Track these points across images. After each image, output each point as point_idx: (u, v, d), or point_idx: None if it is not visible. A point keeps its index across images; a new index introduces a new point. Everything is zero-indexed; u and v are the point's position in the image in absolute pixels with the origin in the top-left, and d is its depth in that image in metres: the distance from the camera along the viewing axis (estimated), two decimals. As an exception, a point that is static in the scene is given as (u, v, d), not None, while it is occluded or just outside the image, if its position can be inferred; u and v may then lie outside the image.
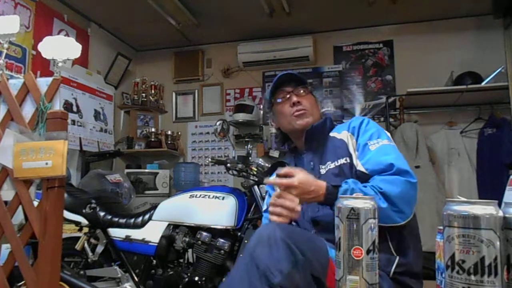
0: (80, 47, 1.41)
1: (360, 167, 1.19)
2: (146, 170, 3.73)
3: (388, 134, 1.27)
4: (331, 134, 1.34)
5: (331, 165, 1.25)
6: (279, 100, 1.38)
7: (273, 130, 3.75)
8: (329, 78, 3.88)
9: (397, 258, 1.10)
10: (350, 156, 1.24)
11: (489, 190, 3.02)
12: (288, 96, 1.37)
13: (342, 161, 1.23)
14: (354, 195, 0.70)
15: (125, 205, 2.90)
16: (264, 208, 1.44)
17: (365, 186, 1.10)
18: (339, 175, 1.21)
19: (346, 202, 0.67)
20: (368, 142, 1.21)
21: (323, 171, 1.27)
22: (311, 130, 1.33)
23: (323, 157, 1.30)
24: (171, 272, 2.10)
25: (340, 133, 1.31)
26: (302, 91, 1.37)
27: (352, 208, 0.66)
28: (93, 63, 3.60)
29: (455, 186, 3.21)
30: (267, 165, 2.14)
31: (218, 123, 2.33)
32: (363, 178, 1.16)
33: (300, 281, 0.82)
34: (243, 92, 4.08)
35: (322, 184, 1.09)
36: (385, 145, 1.19)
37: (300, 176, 1.07)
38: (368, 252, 0.64)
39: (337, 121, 1.45)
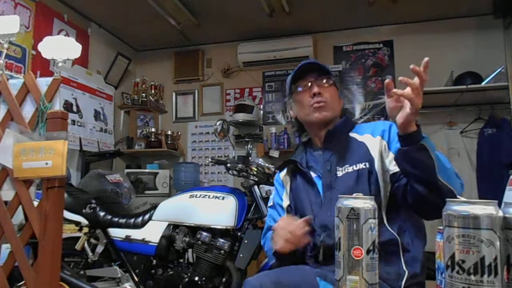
0: (80, 47, 1.41)
1: (389, 166, 1.15)
2: (146, 170, 3.73)
3: None
4: (352, 134, 1.27)
5: (349, 169, 1.19)
6: (299, 89, 1.30)
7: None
8: (329, 78, 3.88)
9: (406, 272, 1.06)
10: (371, 161, 1.17)
11: (489, 190, 3.02)
12: (309, 85, 1.28)
13: (361, 165, 1.17)
14: (354, 195, 0.70)
15: (125, 205, 2.90)
16: (270, 204, 1.41)
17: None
18: (356, 181, 1.15)
19: (346, 202, 0.67)
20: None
21: (339, 173, 1.20)
22: (333, 129, 1.27)
23: (341, 159, 1.23)
24: (171, 272, 2.10)
25: (362, 135, 1.25)
26: (324, 82, 1.28)
27: (352, 208, 0.66)
28: (93, 63, 3.60)
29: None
30: (267, 165, 2.14)
31: (218, 123, 2.33)
32: (394, 177, 1.13)
33: None
34: (243, 92, 4.08)
35: None
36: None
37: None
38: (368, 252, 0.64)
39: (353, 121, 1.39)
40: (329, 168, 1.22)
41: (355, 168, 1.18)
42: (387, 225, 1.11)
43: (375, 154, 1.17)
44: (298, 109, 1.33)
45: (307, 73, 1.29)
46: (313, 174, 1.27)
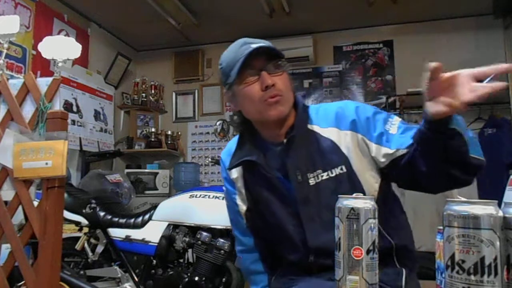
0: (80, 47, 1.41)
1: (397, 153, 0.97)
2: (146, 170, 3.73)
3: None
4: (312, 127, 1.06)
5: (323, 175, 1.01)
6: (246, 79, 1.02)
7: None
8: (329, 78, 3.88)
9: (404, 270, 1.03)
10: (346, 162, 1.01)
11: (489, 190, 3.01)
12: (259, 75, 1.01)
13: (337, 171, 1.00)
14: (354, 195, 0.69)
15: (125, 205, 2.90)
16: (226, 203, 1.23)
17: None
18: (336, 190, 0.93)
19: (346, 202, 0.67)
20: (386, 128, 1.00)
21: (312, 182, 1.01)
22: (294, 128, 1.04)
23: (311, 162, 1.02)
24: (171, 272, 2.10)
25: (325, 128, 1.05)
26: (277, 69, 1.03)
27: (352, 208, 0.66)
28: (93, 63, 3.60)
29: (455, 186, 3.21)
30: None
31: (218, 123, 2.33)
32: (393, 164, 0.98)
33: None
34: (243, 92, 4.08)
35: None
36: (401, 123, 1.02)
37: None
38: (368, 252, 0.64)
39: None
40: (300, 179, 1.02)
41: (331, 175, 1.01)
42: (379, 226, 1.06)
43: (349, 152, 1.01)
44: (244, 104, 1.06)
45: (253, 58, 1.00)
46: (278, 181, 1.06)
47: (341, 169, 1.01)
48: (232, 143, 1.18)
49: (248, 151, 1.09)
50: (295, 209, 1.04)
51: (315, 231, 1.02)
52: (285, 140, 1.04)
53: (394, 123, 1.01)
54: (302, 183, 1.02)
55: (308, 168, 1.02)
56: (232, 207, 1.20)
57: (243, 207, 1.16)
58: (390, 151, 0.98)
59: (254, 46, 1.02)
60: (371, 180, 1.02)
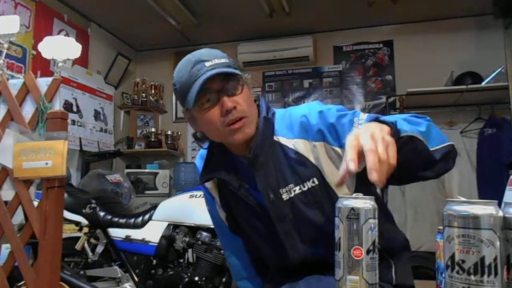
0: (80, 47, 1.41)
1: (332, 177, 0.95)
2: (146, 170, 3.73)
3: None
4: (277, 138, 1.00)
5: (295, 189, 0.96)
6: (203, 106, 0.94)
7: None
8: (329, 78, 3.88)
9: (392, 262, 1.01)
10: (317, 173, 0.96)
11: (489, 190, 3.02)
12: (217, 99, 0.93)
13: (309, 184, 0.96)
14: (354, 195, 0.69)
15: (125, 205, 2.90)
16: (207, 207, 1.19)
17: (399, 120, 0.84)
18: (310, 204, 0.95)
19: (346, 202, 0.67)
20: (353, 128, 0.94)
21: (285, 197, 0.97)
22: (257, 149, 0.96)
23: (280, 177, 0.97)
24: (171, 272, 2.10)
25: (291, 139, 0.99)
26: (237, 90, 0.94)
27: (352, 208, 0.66)
28: (93, 63, 3.60)
29: (455, 186, 3.21)
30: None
31: (218, 123, 2.33)
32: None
33: None
34: (243, 92, 4.08)
35: (375, 123, 0.78)
36: (367, 118, 0.95)
37: (352, 137, 0.71)
38: (368, 252, 0.64)
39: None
40: (273, 197, 0.97)
41: (303, 189, 0.96)
42: None
43: (320, 163, 0.96)
44: (207, 128, 1.00)
45: (209, 80, 0.91)
46: (251, 198, 1.02)
47: (313, 181, 0.96)
48: (205, 150, 1.12)
49: (218, 165, 1.05)
50: (271, 223, 1.01)
51: (294, 245, 1.00)
52: (249, 155, 0.97)
53: (360, 123, 0.94)
54: (275, 201, 0.98)
55: (280, 183, 0.97)
56: (213, 212, 1.17)
57: (223, 213, 1.13)
58: None
59: (208, 65, 0.92)
60: (346, 188, 0.95)
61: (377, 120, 0.81)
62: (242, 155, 1.02)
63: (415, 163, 0.84)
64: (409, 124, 0.84)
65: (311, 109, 1.00)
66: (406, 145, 0.78)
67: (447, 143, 0.88)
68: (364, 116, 0.96)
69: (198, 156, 1.17)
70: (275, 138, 1.00)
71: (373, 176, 0.64)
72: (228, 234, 1.17)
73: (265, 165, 0.98)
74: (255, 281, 1.20)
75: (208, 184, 1.10)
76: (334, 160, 0.96)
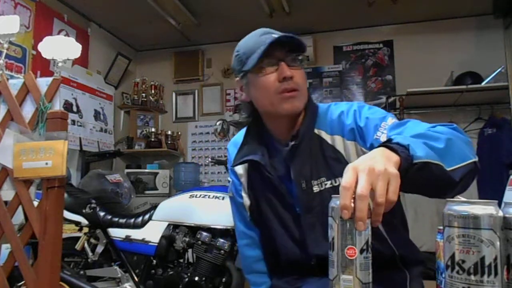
0: (80, 47, 1.41)
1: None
2: (146, 170, 3.73)
3: (384, 111, 1.01)
4: (318, 131, 1.03)
5: (326, 183, 0.99)
6: (263, 69, 0.98)
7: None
8: (329, 78, 3.89)
9: (407, 273, 1.01)
10: None
11: (489, 190, 3.02)
12: (277, 66, 0.97)
13: (341, 180, 0.95)
14: None
15: (125, 205, 2.90)
16: (230, 194, 1.20)
17: (418, 135, 0.77)
18: None
19: (339, 202, 0.67)
20: (376, 137, 0.94)
21: (316, 188, 0.99)
22: (302, 132, 1.00)
23: (315, 169, 1.00)
24: (171, 272, 2.10)
25: (332, 136, 1.01)
26: (298, 62, 0.99)
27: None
28: (93, 63, 3.60)
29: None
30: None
31: (218, 123, 2.34)
32: None
33: None
34: (243, 92, 4.08)
35: (383, 150, 0.67)
36: (392, 125, 0.93)
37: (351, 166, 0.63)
38: (361, 251, 0.64)
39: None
40: (305, 186, 0.99)
41: (334, 184, 0.98)
42: (388, 239, 0.99)
43: (350, 161, 0.96)
44: (258, 93, 1.02)
45: (274, 48, 0.96)
46: (281, 184, 1.03)
47: None
48: (240, 135, 1.15)
49: (253, 149, 1.06)
50: (297, 214, 1.02)
51: (316, 239, 0.98)
52: (291, 143, 1.01)
53: (384, 130, 0.93)
54: (306, 191, 1.00)
55: (313, 175, 1.00)
56: (236, 199, 1.18)
57: (247, 201, 1.14)
58: None
59: (276, 36, 0.97)
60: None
61: (388, 142, 0.71)
62: (281, 139, 1.05)
63: (430, 189, 0.78)
64: (425, 143, 0.73)
65: (349, 107, 1.03)
66: (420, 172, 0.69)
67: (469, 161, 0.77)
68: (391, 121, 0.95)
69: (231, 142, 1.21)
70: (315, 131, 1.03)
71: (359, 226, 0.58)
72: (246, 224, 1.18)
73: (302, 155, 1.00)
74: (264, 278, 1.19)
75: (239, 169, 1.12)
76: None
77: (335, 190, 0.94)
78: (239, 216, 1.20)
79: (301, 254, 1.03)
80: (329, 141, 1.01)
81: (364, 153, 0.95)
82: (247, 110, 1.10)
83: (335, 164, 0.99)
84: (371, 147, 0.91)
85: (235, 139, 1.18)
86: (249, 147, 1.08)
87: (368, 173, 0.60)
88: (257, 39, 0.99)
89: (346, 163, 0.95)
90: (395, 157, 0.66)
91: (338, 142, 1.00)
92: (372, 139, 0.93)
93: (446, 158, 0.73)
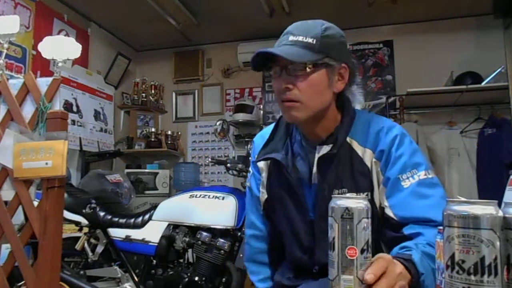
0: (80, 47, 1.41)
1: (387, 210, 0.93)
2: (146, 170, 3.73)
3: (424, 157, 0.98)
4: (350, 140, 0.99)
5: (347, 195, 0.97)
6: (274, 75, 0.98)
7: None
8: (329, 78, 3.88)
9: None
10: (372, 190, 0.96)
11: (489, 190, 3.02)
12: (278, 73, 0.96)
13: (362, 196, 0.92)
14: (348, 194, 0.70)
15: (125, 205, 2.90)
16: (247, 184, 1.21)
17: (421, 244, 0.82)
18: None
19: (340, 202, 0.67)
20: (400, 177, 0.92)
21: None
22: (330, 139, 0.98)
23: (338, 179, 0.97)
24: (171, 272, 2.10)
25: (363, 147, 0.98)
26: (296, 70, 0.93)
27: (347, 208, 0.66)
28: (93, 63, 3.60)
29: (455, 186, 3.21)
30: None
31: (218, 123, 2.33)
32: (388, 223, 0.92)
33: None
34: (243, 92, 4.08)
35: (399, 266, 0.71)
36: (422, 181, 0.91)
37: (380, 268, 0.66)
38: (362, 251, 0.65)
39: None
40: (326, 193, 0.96)
41: None
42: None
43: (375, 181, 0.96)
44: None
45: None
46: (298, 186, 1.01)
47: (367, 195, 0.95)
48: (268, 129, 1.14)
49: (278, 147, 1.04)
50: (309, 218, 1.02)
51: (326, 247, 0.99)
52: (319, 148, 0.98)
53: (412, 179, 0.92)
54: (326, 198, 0.95)
55: (336, 183, 0.97)
56: (253, 191, 1.17)
57: (263, 197, 1.13)
58: (386, 204, 0.93)
59: (290, 40, 0.96)
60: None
61: (408, 262, 0.74)
62: (310, 140, 1.03)
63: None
64: (432, 273, 0.76)
65: (390, 128, 0.99)
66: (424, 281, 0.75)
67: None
68: (423, 176, 0.92)
69: (259, 134, 1.20)
70: (348, 139, 0.99)
71: None
72: (258, 217, 1.18)
73: (329, 161, 0.98)
74: (264, 269, 1.20)
75: (260, 164, 1.12)
76: (380, 183, 0.96)
77: None
78: (252, 207, 1.20)
79: (306, 260, 1.03)
80: (360, 153, 0.98)
81: (378, 178, 0.96)
82: None
83: (361, 178, 0.97)
84: (387, 180, 0.93)
85: (263, 133, 1.17)
86: (275, 144, 1.06)
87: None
88: (279, 38, 1.00)
89: (370, 179, 0.96)
90: (408, 277, 0.71)
91: (368, 156, 0.98)
92: (395, 175, 0.93)
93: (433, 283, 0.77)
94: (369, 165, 0.97)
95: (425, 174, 0.93)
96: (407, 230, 0.89)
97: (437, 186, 0.93)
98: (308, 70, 0.94)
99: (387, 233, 0.94)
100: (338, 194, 0.97)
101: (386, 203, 0.93)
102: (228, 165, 2.19)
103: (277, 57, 0.93)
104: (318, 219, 0.99)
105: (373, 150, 0.98)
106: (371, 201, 0.95)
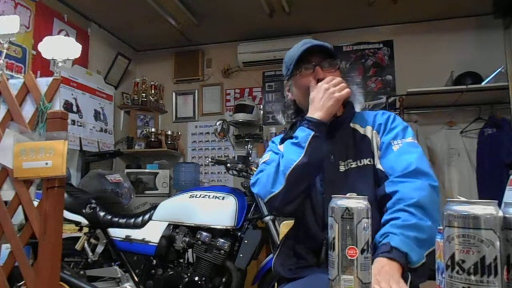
0: (80, 47, 1.41)
1: (379, 166, 1.12)
2: (146, 170, 3.73)
3: (413, 131, 1.19)
4: (353, 125, 1.20)
5: (352, 164, 1.14)
6: (302, 72, 1.18)
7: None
8: (329, 78, 3.88)
9: (409, 275, 0.99)
10: (373, 157, 1.14)
11: (489, 190, 3.02)
12: (313, 69, 1.17)
13: (365, 161, 1.13)
14: (348, 195, 0.70)
15: (125, 205, 2.90)
16: (266, 158, 1.26)
17: (398, 218, 0.97)
18: (360, 177, 1.11)
19: (340, 202, 0.67)
20: (392, 142, 1.13)
21: (342, 168, 1.14)
22: (338, 121, 1.18)
23: (344, 152, 1.16)
24: (171, 272, 2.10)
25: (364, 128, 1.19)
26: (330, 66, 1.18)
27: (347, 208, 0.66)
28: (93, 63, 3.60)
29: (455, 186, 3.21)
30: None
31: (218, 123, 2.34)
32: (382, 177, 1.10)
33: None
34: (243, 92, 4.08)
35: (386, 260, 0.90)
36: (408, 143, 1.12)
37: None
38: (362, 251, 0.65)
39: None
40: (333, 161, 1.14)
41: (359, 164, 1.13)
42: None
43: (375, 149, 1.15)
44: (299, 94, 1.22)
45: (311, 54, 1.17)
46: None
47: (369, 161, 1.13)
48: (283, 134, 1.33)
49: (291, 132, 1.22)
50: (321, 191, 1.14)
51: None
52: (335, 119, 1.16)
53: (402, 143, 1.12)
54: (333, 166, 1.14)
55: (341, 156, 1.15)
56: (274, 151, 1.26)
57: None
58: (379, 162, 1.13)
59: (310, 45, 1.17)
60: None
61: (389, 251, 0.91)
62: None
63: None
64: (416, 239, 0.93)
65: (386, 111, 1.24)
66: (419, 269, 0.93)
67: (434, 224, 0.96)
68: (399, 144, 1.13)
69: (275, 137, 1.38)
70: (351, 125, 1.21)
71: None
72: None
73: (336, 139, 1.17)
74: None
75: (281, 147, 1.25)
76: (378, 148, 1.15)
77: (359, 169, 1.13)
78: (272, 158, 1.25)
79: (318, 227, 1.12)
80: (361, 131, 1.19)
81: (377, 142, 1.16)
82: (293, 107, 1.30)
83: (362, 144, 1.16)
84: (382, 145, 1.15)
85: (279, 136, 1.35)
86: (292, 132, 1.23)
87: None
88: (299, 48, 1.18)
89: (371, 144, 1.16)
90: (400, 269, 0.89)
91: (368, 131, 1.18)
92: (388, 140, 1.14)
93: (425, 245, 0.94)
94: (369, 136, 1.17)
95: (412, 139, 1.14)
96: (388, 187, 1.06)
97: (418, 147, 1.14)
98: (336, 67, 1.20)
99: (377, 191, 1.10)
100: (343, 164, 1.14)
101: (379, 162, 1.13)
102: (228, 165, 2.19)
103: (311, 56, 1.16)
104: (327, 186, 1.13)
105: (373, 126, 1.19)
106: (373, 166, 1.13)
